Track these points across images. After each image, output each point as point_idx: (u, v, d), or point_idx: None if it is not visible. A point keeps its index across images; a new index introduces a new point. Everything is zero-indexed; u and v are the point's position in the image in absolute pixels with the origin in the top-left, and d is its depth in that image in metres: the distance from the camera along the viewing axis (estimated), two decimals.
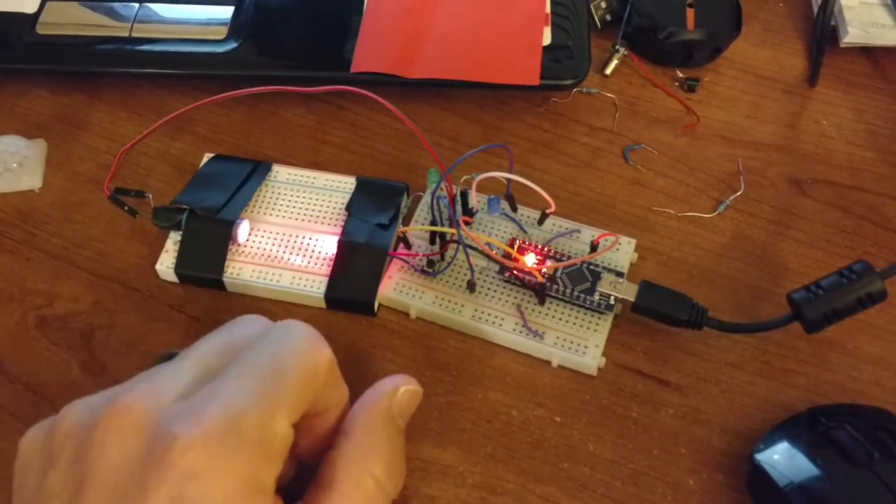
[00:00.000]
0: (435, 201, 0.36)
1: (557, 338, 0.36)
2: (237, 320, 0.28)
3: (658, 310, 0.35)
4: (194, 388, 0.25)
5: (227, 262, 0.37)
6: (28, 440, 0.26)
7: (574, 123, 0.43)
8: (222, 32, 0.44)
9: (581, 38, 0.43)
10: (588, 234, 0.38)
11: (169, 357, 0.29)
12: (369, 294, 0.37)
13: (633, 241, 0.38)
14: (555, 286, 0.36)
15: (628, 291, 0.35)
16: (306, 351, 0.26)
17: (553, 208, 0.36)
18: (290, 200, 0.39)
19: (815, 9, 0.46)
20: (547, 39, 0.43)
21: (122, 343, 0.37)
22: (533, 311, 0.36)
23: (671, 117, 0.43)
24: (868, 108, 0.44)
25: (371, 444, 0.28)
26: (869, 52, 0.46)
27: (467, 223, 0.38)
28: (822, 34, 0.44)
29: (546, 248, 0.37)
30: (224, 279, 0.37)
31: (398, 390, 0.29)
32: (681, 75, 0.45)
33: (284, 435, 0.25)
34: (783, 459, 0.32)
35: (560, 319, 0.36)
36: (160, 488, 0.22)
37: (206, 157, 0.41)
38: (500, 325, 0.36)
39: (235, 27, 0.44)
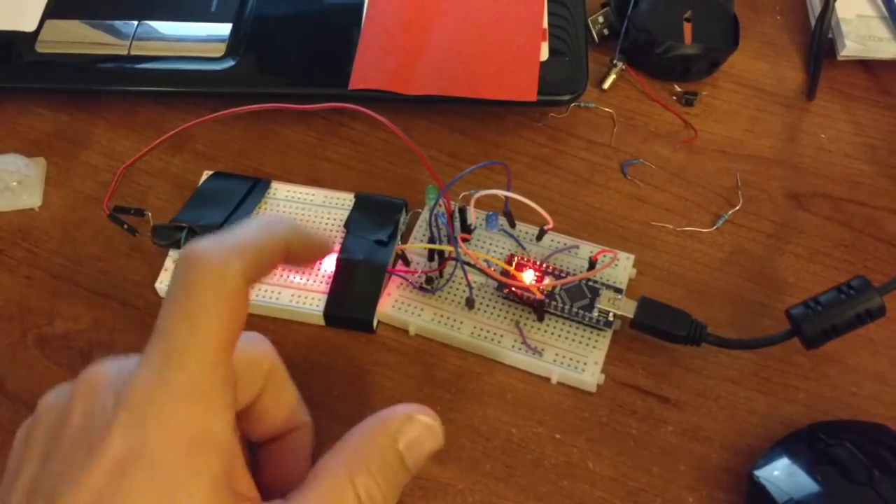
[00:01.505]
0: (433, 218, 0.36)
1: (556, 355, 0.36)
2: None
3: (657, 326, 0.35)
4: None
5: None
6: (45, 401, 0.26)
7: (572, 138, 0.43)
8: (220, 49, 0.44)
9: (579, 53, 0.43)
10: (586, 249, 0.38)
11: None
12: (368, 311, 0.37)
13: (632, 257, 0.38)
14: (553, 303, 0.36)
15: (627, 308, 0.35)
16: (209, 280, 0.24)
17: (551, 225, 0.37)
18: (290, 216, 0.39)
19: (813, 22, 0.46)
20: (544, 55, 0.43)
21: None
22: (532, 327, 0.36)
23: (669, 132, 0.44)
24: (866, 122, 0.44)
25: (362, 457, 0.25)
26: (866, 65, 0.46)
27: (465, 240, 0.38)
28: (819, 47, 0.45)
29: (544, 265, 0.37)
30: None
31: (413, 418, 0.26)
32: (678, 89, 0.45)
33: (215, 373, 0.23)
34: (783, 476, 0.32)
35: (559, 336, 0.36)
36: (113, 423, 0.23)
37: (206, 174, 0.41)
38: (499, 342, 0.36)
39: (234, 44, 0.44)
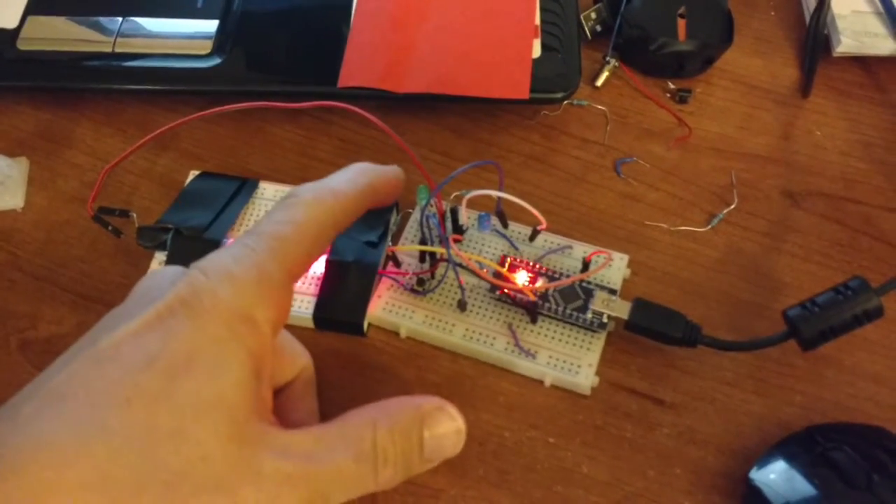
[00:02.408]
0: (425, 219, 0.36)
1: (550, 357, 0.35)
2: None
3: (652, 328, 0.35)
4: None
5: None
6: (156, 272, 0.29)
7: (565, 136, 0.43)
8: (207, 47, 0.43)
9: (571, 50, 0.42)
10: (580, 250, 0.38)
11: None
12: (358, 314, 0.36)
13: (626, 258, 0.37)
14: (547, 304, 0.35)
15: (621, 309, 0.35)
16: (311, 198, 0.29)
17: (544, 225, 0.36)
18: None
19: (808, 18, 0.46)
20: (537, 52, 0.42)
21: None
22: (525, 329, 0.36)
23: (663, 129, 0.43)
24: (862, 119, 0.43)
25: (387, 415, 0.26)
26: (862, 62, 0.45)
27: (457, 241, 0.37)
28: (814, 44, 0.44)
29: (538, 266, 0.37)
30: None
31: (443, 408, 0.28)
32: (672, 86, 0.44)
33: (280, 278, 0.26)
34: (780, 480, 0.31)
35: (552, 338, 0.35)
36: (165, 299, 0.25)
37: (192, 174, 0.40)
38: (492, 344, 0.35)
39: (220, 41, 0.43)
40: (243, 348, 0.25)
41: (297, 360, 0.31)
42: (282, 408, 0.29)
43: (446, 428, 0.27)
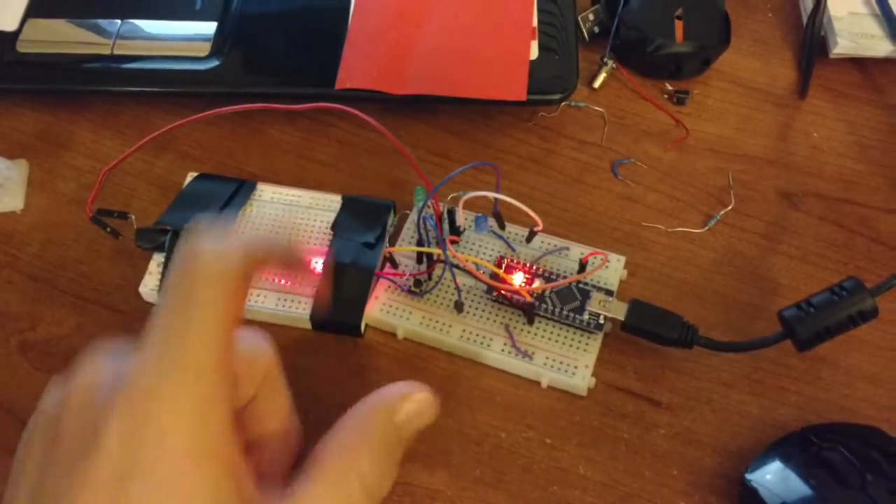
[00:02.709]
0: (422, 220, 0.36)
1: (547, 358, 0.35)
2: None
3: (648, 329, 0.35)
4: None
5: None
6: (41, 405, 0.26)
7: (562, 138, 0.43)
8: (205, 49, 0.43)
9: (569, 52, 0.43)
10: (577, 251, 0.38)
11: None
12: (356, 315, 0.36)
13: (623, 259, 0.38)
14: (543, 305, 0.36)
15: (618, 310, 0.35)
16: (211, 257, 0.24)
17: (541, 226, 0.36)
18: (275, 220, 0.39)
19: (805, 20, 0.46)
20: (534, 53, 0.42)
21: None
22: (521, 330, 0.36)
23: (660, 131, 0.43)
24: (858, 120, 0.43)
25: (363, 440, 0.26)
26: (859, 63, 0.45)
27: (454, 242, 0.37)
28: (811, 45, 0.44)
29: (534, 267, 0.37)
30: None
31: (408, 397, 0.27)
32: (670, 88, 0.44)
33: (207, 360, 0.23)
34: (775, 480, 0.31)
35: (549, 339, 0.36)
36: (110, 427, 0.22)
37: (190, 175, 0.41)
38: (489, 345, 0.36)
39: (219, 43, 0.44)
40: (210, 478, 0.23)
41: (256, 367, 0.27)
42: (253, 418, 0.27)
43: (414, 406, 0.27)
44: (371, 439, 0.26)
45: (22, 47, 0.44)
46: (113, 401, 0.23)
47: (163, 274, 0.37)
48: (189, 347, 0.23)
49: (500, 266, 0.37)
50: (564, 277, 0.37)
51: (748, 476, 0.32)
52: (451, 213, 0.37)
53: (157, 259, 0.38)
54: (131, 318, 0.38)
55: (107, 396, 0.23)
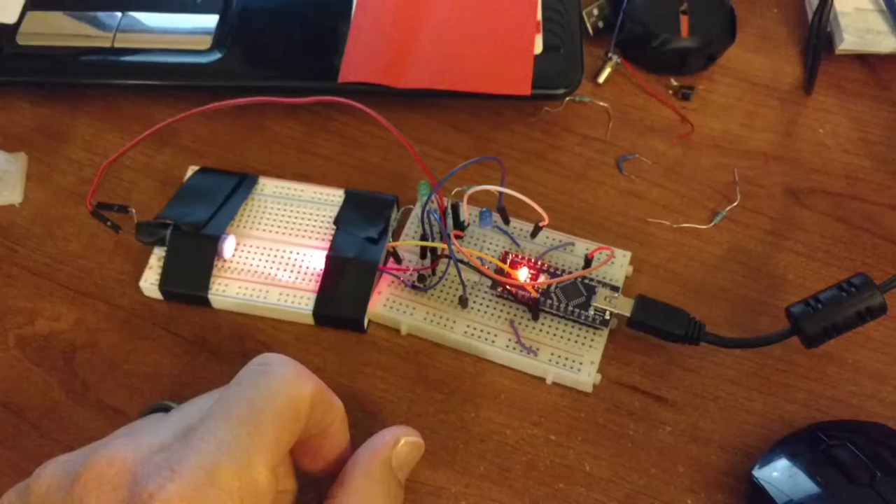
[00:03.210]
0: (426, 215, 0.36)
1: (552, 354, 0.35)
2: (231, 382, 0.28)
3: (654, 325, 0.34)
4: (174, 442, 0.24)
5: (212, 279, 0.37)
6: None
7: (567, 133, 0.42)
8: (206, 42, 0.43)
9: (573, 47, 0.42)
10: (582, 246, 0.37)
11: (157, 410, 0.28)
12: (359, 310, 0.36)
13: (629, 255, 0.37)
14: (549, 301, 0.35)
15: (624, 306, 0.35)
16: (283, 392, 0.26)
17: (546, 221, 0.36)
18: (276, 214, 0.38)
19: (810, 15, 0.45)
20: (538, 48, 0.42)
21: (106, 362, 0.36)
22: (526, 326, 0.35)
23: (665, 126, 0.43)
24: (864, 116, 0.43)
25: (370, 496, 0.28)
26: (864, 59, 0.45)
27: (459, 237, 0.37)
28: (817, 41, 0.44)
29: (539, 262, 0.36)
30: (209, 296, 0.36)
31: (399, 441, 0.29)
32: (675, 83, 0.44)
33: (265, 482, 0.24)
34: (783, 477, 0.31)
35: (554, 335, 0.35)
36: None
37: (191, 169, 0.40)
38: (493, 341, 0.35)
39: (220, 36, 0.43)
40: None
41: (330, 413, 0.29)
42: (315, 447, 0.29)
43: (406, 450, 0.30)
44: (378, 493, 0.28)
45: (22, 40, 0.43)
46: (146, 492, 0.22)
47: (163, 269, 0.37)
48: (252, 460, 0.24)
49: (504, 261, 0.36)
50: (570, 273, 0.36)
51: (755, 473, 0.32)
52: (456, 208, 0.37)
53: (158, 253, 0.37)
54: (131, 313, 0.37)
55: (136, 493, 0.22)
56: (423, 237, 0.36)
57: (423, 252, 0.37)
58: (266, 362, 0.26)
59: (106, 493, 0.23)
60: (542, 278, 0.36)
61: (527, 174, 0.41)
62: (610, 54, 0.44)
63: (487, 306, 0.36)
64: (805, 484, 0.31)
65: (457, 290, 0.36)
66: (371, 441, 0.29)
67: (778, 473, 0.31)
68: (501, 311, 0.36)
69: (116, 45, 0.43)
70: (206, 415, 0.25)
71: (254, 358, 0.27)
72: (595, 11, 0.45)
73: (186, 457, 0.23)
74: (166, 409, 0.28)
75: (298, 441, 0.26)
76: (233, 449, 0.24)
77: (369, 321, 0.36)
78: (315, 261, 0.37)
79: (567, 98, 0.43)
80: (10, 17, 0.44)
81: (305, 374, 0.27)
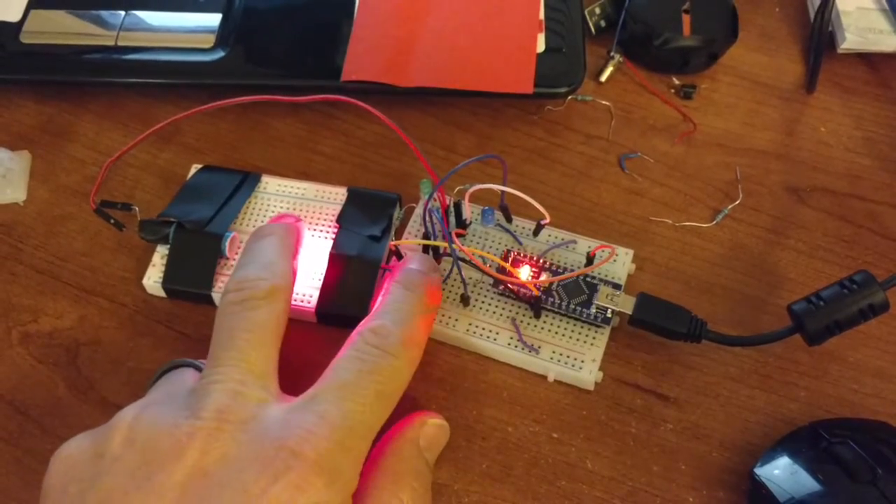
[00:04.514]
0: (428, 213, 0.36)
1: (553, 352, 0.35)
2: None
3: (656, 323, 0.34)
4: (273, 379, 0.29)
5: (215, 277, 0.37)
6: (67, 451, 0.28)
7: (569, 132, 0.43)
8: (210, 41, 0.43)
9: (576, 45, 0.42)
10: (584, 244, 0.37)
11: (174, 367, 0.30)
12: (361, 308, 0.36)
13: (631, 252, 0.37)
14: (550, 299, 0.35)
15: (626, 304, 0.35)
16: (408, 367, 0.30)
17: (548, 219, 0.36)
18: (279, 212, 0.39)
19: (812, 14, 0.46)
20: (541, 46, 0.42)
21: (109, 359, 0.36)
22: (528, 324, 0.36)
23: (667, 125, 0.43)
24: (866, 115, 0.43)
25: (399, 472, 0.29)
26: (866, 58, 0.45)
27: (461, 235, 0.37)
28: (819, 40, 0.44)
29: (541, 260, 0.37)
30: (213, 294, 0.36)
31: (426, 422, 0.31)
32: (677, 82, 0.44)
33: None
34: (784, 475, 0.31)
35: (556, 333, 0.35)
36: (274, 493, 0.25)
37: (194, 168, 0.40)
38: (495, 339, 0.35)
39: (223, 35, 0.43)
40: None
41: None
42: None
43: (433, 430, 0.32)
44: (408, 470, 0.30)
45: (25, 38, 0.43)
46: (287, 465, 0.25)
47: (167, 267, 0.37)
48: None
49: (506, 259, 0.36)
50: (571, 271, 0.36)
51: (757, 471, 0.32)
52: (458, 206, 0.37)
53: (161, 251, 0.38)
54: (135, 311, 0.38)
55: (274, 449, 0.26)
56: (426, 235, 0.36)
57: (426, 250, 0.37)
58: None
59: (228, 439, 0.26)
60: (543, 276, 0.36)
61: (529, 172, 0.41)
62: (612, 53, 0.44)
63: (489, 304, 0.36)
64: (807, 481, 0.31)
65: (459, 288, 0.36)
66: (399, 425, 0.31)
67: (780, 471, 0.31)
68: (503, 309, 0.36)
69: (120, 43, 0.43)
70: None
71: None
72: (597, 10, 0.45)
73: (319, 425, 0.27)
74: (192, 366, 0.31)
75: None
76: (363, 418, 0.28)
77: None
78: (318, 259, 0.37)
79: (569, 97, 0.43)
80: (14, 16, 0.44)
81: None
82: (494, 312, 0.36)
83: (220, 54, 0.43)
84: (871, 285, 0.33)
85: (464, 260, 0.35)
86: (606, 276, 0.36)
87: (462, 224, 0.37)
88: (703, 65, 0.44)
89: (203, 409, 0.26)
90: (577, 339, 0.35)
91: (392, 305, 0.31)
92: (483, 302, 0.36)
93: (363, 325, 0.30)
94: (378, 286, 0.36)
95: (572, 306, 0.35)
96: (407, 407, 0.34)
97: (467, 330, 0.35)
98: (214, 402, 0.27)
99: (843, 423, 0.33)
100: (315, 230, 0.38)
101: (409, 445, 0.30)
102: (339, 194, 0.39)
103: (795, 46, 0.46)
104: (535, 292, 0.35)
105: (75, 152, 0.42)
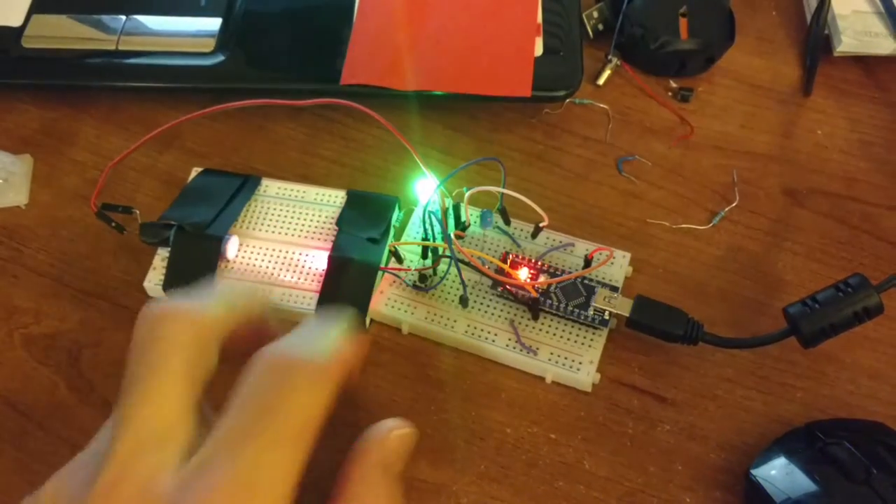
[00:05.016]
0: (427, 215, 0.36)
1: (551, 353, 0.35)
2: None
3: (653, 325, 0.35)
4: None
5: (215, 279, 0.37)
6: None
7: (567, 135, 0.43)
8: (210, 45, 0.43)
9: (573, 49, 0.43)
10: (582, 247, 0.38)
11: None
12: (360, 310, 0.36)
13: (628, 255, 0.38)
14: (548, 301, 0.36)
15: (623, 306, 0.35)
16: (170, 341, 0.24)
17: (546, 222, 0.36)
18: (279, 215, 0.39)
19: (809, 18, 0.46)
20: (539, 50, 0.42)
21: (111, 362, 0.37)
22: (526, 326, 0.36)
23: (665, 128, 0.43)
24: (862, 118, 0.43)
25: (368, 501, 0.26)
26: (863, 61, 0.45)
27: (459, 237, 0.37)
28: (815, 43, 0.44)
29: (540, 263, 0.37)
30: None
31: (389, 436, 0.27)
32: (674, 85, 0.44)
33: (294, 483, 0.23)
34: (780, 475, 0.31)
35: (554, 335, 0.36)
36: None
37: (195, 171, 0.41)
38: (494, 340, 0.36)
39: (223, 39, 0.44)
40: None
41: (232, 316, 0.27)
42: None
43: (395, 443, 0.27)
44: (377, 496, 0.26)
45: (27, 42, 0.44)
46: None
47: (167, 269, 0.37)
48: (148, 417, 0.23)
49: (505, 261, 0.37)
50: (569, 273, 0.37)
51: (753, 471, 0.32)
52: (457, 209, 0.37)
53: (162, 254, 0.38)
54: (135, 314, 0.37)
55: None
56: (425, 237, 0.37)
57: (425, 252, 0.37)
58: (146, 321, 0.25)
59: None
60: (542, 278, 0.36)
61: (527, 175, 0.41)
62: (609, 56, 0.45)
63: (488, 306, 0.36)
64: (802, 482, 0.31)
65: (457, 289, 0.37)
66: (360, 442, 0.27)
67: (775, 471, 0.32)
68: (502, 310, 0.36)
69: (121, 47, 0.43)
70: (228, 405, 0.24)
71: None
72: (595, 14, 0.45)
73: (214, 470, 0.23)
74: None
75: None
76: (263, 460, 0.22)
77: (371, 320, 0.37)
78: (317, 261, 0.37)
79: (567, 100, 0.43)
80: (16, 20, 0.44)
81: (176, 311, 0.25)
82: (493, 314, 0.36)
83: (220, 58, 0.43)
84: (866, 288, 0.33)
85: (463, 261, 0.35)
86: (604, 278, 0.37)
87: (461, 226, 0.38)
88: (700, 68, 0.45)
89: (96, 485, 0.23)
90: (575, 341, 0.35)
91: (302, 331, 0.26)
92: (482, 303, 0.36)
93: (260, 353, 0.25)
94: (377, 288, 0.37)
95: (570, 308, 0.35)
96: (404, 407, 0.35)
97: (466, 331, 0.36)
98: (105, 476, 0.23)
99: (838, 423, 0.34)
100: (315, 233, 0.38)
101: (374, 470, 0.27)
102: (338, 197, 0.39)
103: (792, 50, 0.46)
104: (534, 294, 0.35)
105: (76, 156, 0.43)
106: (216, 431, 0.23)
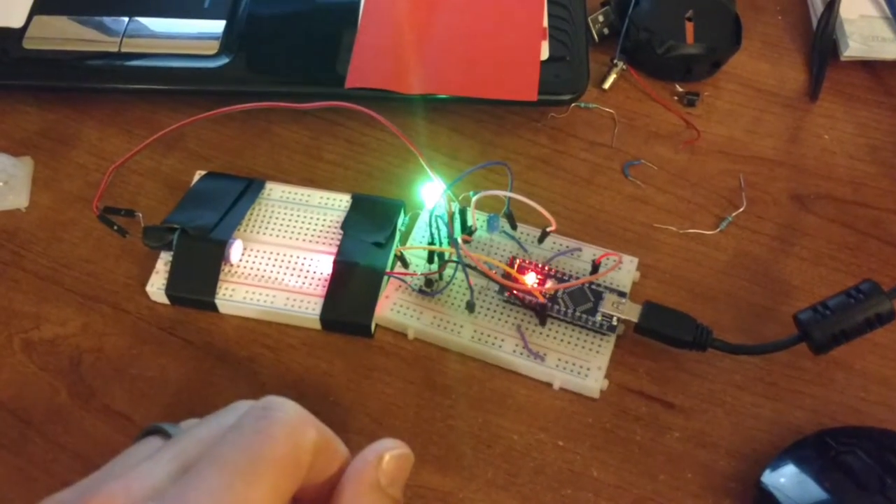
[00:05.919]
0: (433, 219, 0.36)
1: (559, 360, 0.35)
2: (230, 406, 0.26)
3: (662, 331, 0.34)
4: (168, 485, 0.23)
5: (219, 284, 0.36)
6: None
7: (573, 139, 0.43)
8: (214, 47, 0.43)
9: (579, 53, 0.42)
10: (589, 252, 0.37)
11: (151, 432, 0.27)
12: (366, 315, 0.36)
13: (636, 260, 0.37)
14: (556, 306, 0.35)
15: (631, 312, 0.35)
16: (284, 439, 0.24)
17: (554, 226, 0.36)
18: (284, 219, 0.38)
19: (815, 22, 0.46)
20: (545, 54, 0.42)
21: (112, 367, 0.36)
22: (534, 332, 0.35)
23: (671, 132, 0.43)
24: (869, 123, 0.43)
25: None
26: (869, 66, 0.45)
27: (466, 242, 0.37)
28: (822, 48, 0.44)
29: (547, 267, 0.36)
30: (216, 301, 0.36)
31: (384, 458, 0.27)
32: (680, 90, 0.44)
33: None
34: (791, 484, 0.31)
35: (561, 341, 0.35)
36: None
37: (198, 174, 0.40)
38: (501, 346, 0.35)
39: (227, 42, 0.43)
40: None
41: (334, 461, 0.27)
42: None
43: (392, 465, 0.27)
44: None
45: (28, 44, 0.43)
46: None
47: (170, 273, 0.37)
48: None
49: (512, 266, 0.36)
50: (577, 278, 0.36)
51: (763, 479, 0.32)
52: (463, 213, 0.37)
53: (165, 258, 0.37)
54: (137, 318, 0.37)
55: None
56: (431, 241, 0.36)
57: (431, 257, 0.37)
58: (268, 406, 0.25)
59: None
60: (549, 283, 0.36)
61: (533, 179, 0.41)
62: (615, 61, 0.44)
63: (495, 311, 0.36)
64: (814, 490, 0.30)
65: (464, 294, 0.36)
66: (354, 464, 0.27)
67: (786, 480, 0.31)
68: (509, 316, 0.36)
69: (123, 49, 0.43)
70: (202, 457, 0.23)
71: (258, 400, 0.25)
72: (601, 18, 0.45)
73: None
74: (162, 432, 0.26)
75: (300, 489, 0.25)
76: (227, 500, 0.22)
77: (376, 326, 0.36)
78: (322, 265, 0.37)
79: (573, 104, 0.43)
80: (17, 22, 0.44)
81: (309, 421, 0.25)
82: (500, 319, 0.36)
83: (223, 61, 0.43)
84: (878, 295, 0.33)
85: (470, 266, 0.35)
86: (612, 283, 0.36)
87: (467, 231, 0.37)
88: (707, 72, 0.44)
89: None
90: (583, 347, 0.35)
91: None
92: (489, 309, 0.36)
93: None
94: (383, 293, 0.36)
95: (578, 314, 0.35)
96: (410, 414, 0.34)
97: (472, 337, 0.35)
98: None
99: (849, 431, 0.33)
100: (319, 237, 0.38)
101: (369, 491, 0.26)
102: (343, 201, 0.39)
103: (798, 54, 0.46)
104: (541, 299, 0.35)
105: (78, 158, 0.42)
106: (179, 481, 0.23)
